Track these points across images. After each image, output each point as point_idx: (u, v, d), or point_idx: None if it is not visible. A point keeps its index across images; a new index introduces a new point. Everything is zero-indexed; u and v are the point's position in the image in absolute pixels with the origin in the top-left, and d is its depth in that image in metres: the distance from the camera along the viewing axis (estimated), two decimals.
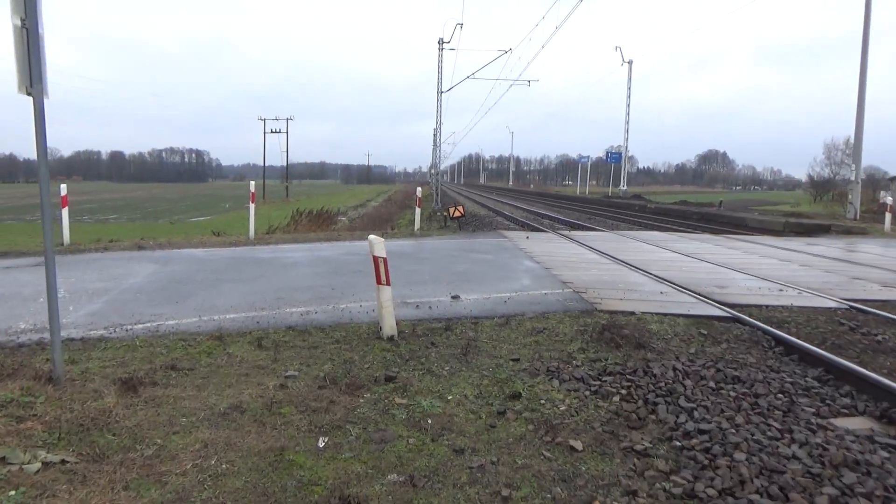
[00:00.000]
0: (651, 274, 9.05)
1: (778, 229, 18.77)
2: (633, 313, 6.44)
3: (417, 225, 14.88)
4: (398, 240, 13.51)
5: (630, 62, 46.18)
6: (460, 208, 18.89)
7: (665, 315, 6.38)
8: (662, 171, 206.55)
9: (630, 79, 46.74)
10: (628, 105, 47.28)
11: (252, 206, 13.44)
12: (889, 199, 19.40)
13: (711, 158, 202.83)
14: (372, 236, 5.52)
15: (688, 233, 18.43)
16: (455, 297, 7.08)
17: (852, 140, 22.39)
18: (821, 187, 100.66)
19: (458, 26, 36.44)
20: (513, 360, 4.97)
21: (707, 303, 7.04)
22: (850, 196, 22.20)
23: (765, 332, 5.84)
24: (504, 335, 5.68)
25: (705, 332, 5.84)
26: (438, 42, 38.16)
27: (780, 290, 7.98)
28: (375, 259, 5.51)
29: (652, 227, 22.39)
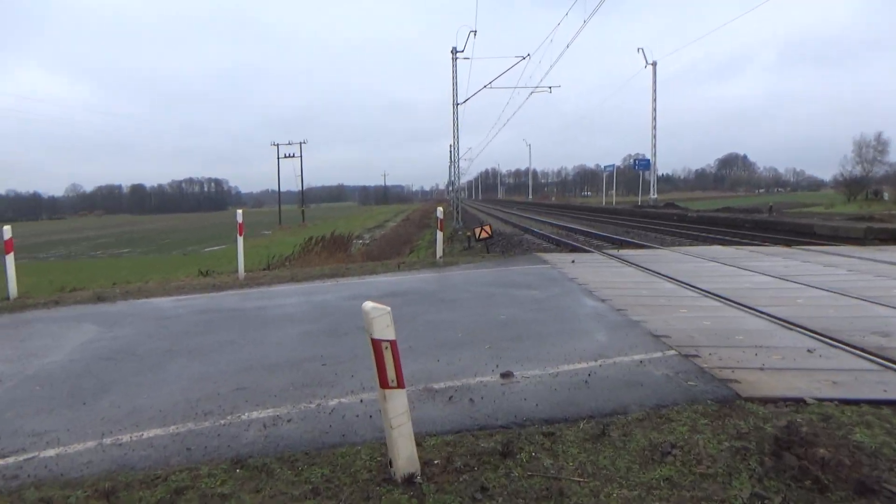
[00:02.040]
0: (768, 315, 6.54)
1: (858, 236, 16.10)
2: (802, 401, 3.97)
3: (440, 252, 12.51)
4: (417, 272, 11.14)
5: (654, 63, 43.74)
6: (487, 227, 16.51)
7: (858, 403, 3.90)
8: (682, 177, 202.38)
9: (655, 81, 44.27)
10: (654, 109, 44.72)
11: (240, 241, 11.18)
12: None
13: (732, 162, 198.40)
14: (368, 304, 3.14)
15: (753, 245, 15.82)
16: (506, 376, 4.66)
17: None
18: (854, 185, 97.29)
19: (472, 34, 34.38)
20: None
21: None
22: None
23: None
24: (605, 464, 3.25)
25: None
26: (452, 51, 36.12)
27: None
28: (376, 345, 3.13)
29: (705, 240, 19.80)
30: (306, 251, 24.45)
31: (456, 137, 39.23)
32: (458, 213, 37.27)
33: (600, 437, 3.55)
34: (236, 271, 11.43)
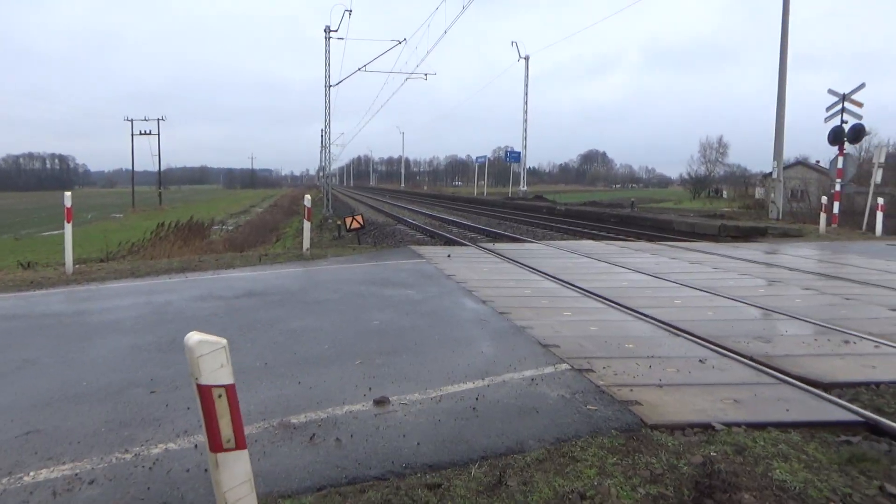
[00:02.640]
0: (652, 319, 6.31)
1: (713, 233, 17.05)
2: (710, 427, 3.58)
3: (307, 244, 11.48)
4: (281, 266, 10.08)
5: (527, 57, 44.61)
6: (358, 217, 15.63)
7: (766, 427, 3.57)
8: (547, 170, 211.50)
9: (527, 75, 45.19)
10: (526, 103, 45.70)
11: (68, 228, 9.52)
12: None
13: (592, 158, 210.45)
14: (194, 337, 2.26)
15: (621, 240, 16.21)
16: (381, 403, 3.92)
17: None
18: (699, 184, 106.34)
19: (347, 13, 33.05)
20: None
21: (794, 385, 4.32)
22: (772, 195, 21.07)
23: None
24: None
25: (870, 472, 3.07)
26: (325, 30, 34.56)
27: (848, 342, 5.47)
28: (204, 393, 2.25)
29: (575, 234, 20.20)
30: (157, 239, 22.17)
31: (328, 121, 37.73)
32: (328, 200, 35.89)
33: (496, 488, 2.91)
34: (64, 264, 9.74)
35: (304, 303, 7.04)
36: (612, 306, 6.96)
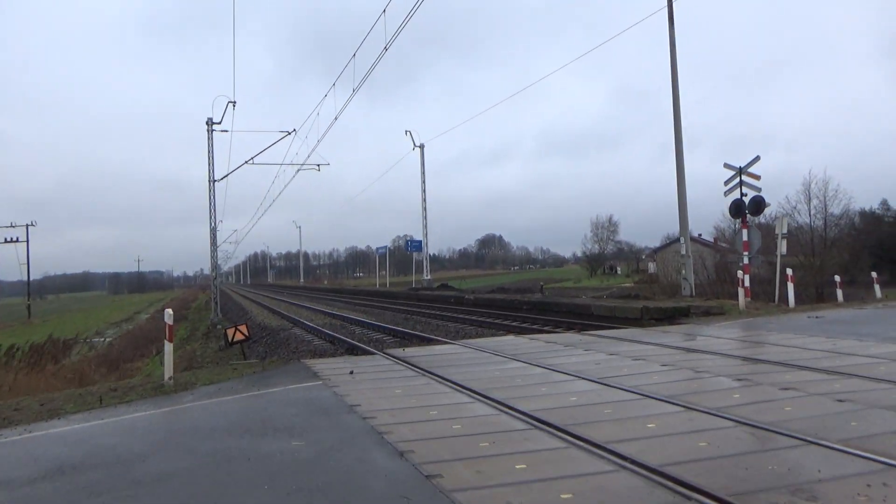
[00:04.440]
0: (636, 466, 4.53)
1: (636, 317, 15.97)
2: None
3: (168, 373, 9.03)
4: (128, 407, 7.60)
5: (422, 146, 44.42)
6: (242, 328, 13.27)
7: None
8: (447, 256, 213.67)
9: (423, 163, 44.87)
10: (423, 190, 45.13)
11: None
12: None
13: (490, 242, 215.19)
14: None
15: (544, 333, 14.72)
16: None
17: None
18: (594, 261, 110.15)
19: (231, 104, 31.38)
20: None
21: None
22: (683, 272, 20.60)
23: None
24: None
25: None
26: (207, 123, 32.60)
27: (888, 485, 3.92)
28: None
29: (492, 326, 18.64)
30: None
31: (213, 217, 35.09)
32: (217, 304, 32.73)
33: None
34: None
35: (135, 483, 4.72)
36: (576, 444, 5.15)
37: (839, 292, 18.95)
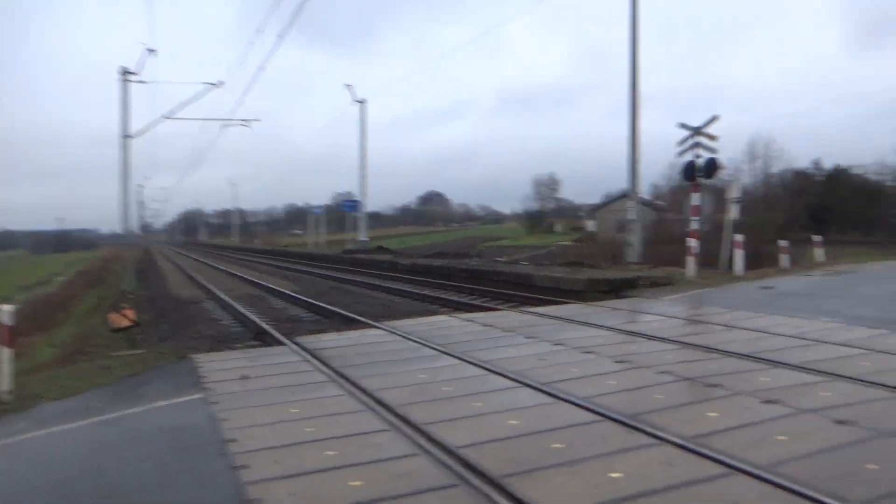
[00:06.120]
0: None
1: (581, 289, 14.76)
2: None
3: (6, 385, 7.09)
4: None
5: (363, 101, 41.89)
6: (129, 312, 11.28)
7: None
8: (389, 213, 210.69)
9: (363, 120, 42.40)
10: (362, 148, 42.79)
11: None
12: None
13: (431, 199, 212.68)
14: None
15: (484, 311, 13.29)
16: None
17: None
18: (534, 219, 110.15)
19: (150, 52, 28.08)
20: None
21: None
22: (628, 238, 19.52)
23: None
24: None
25: None
26: (122, 72, 29.10)
27: None
28: None
29: (424, 299, 17.13)
30: None
31: (127, 174, 31.92)
32: (130, 271, 30.03)
33: None
34: None
35: None
36: None
37: (784, 257, 18.32)
